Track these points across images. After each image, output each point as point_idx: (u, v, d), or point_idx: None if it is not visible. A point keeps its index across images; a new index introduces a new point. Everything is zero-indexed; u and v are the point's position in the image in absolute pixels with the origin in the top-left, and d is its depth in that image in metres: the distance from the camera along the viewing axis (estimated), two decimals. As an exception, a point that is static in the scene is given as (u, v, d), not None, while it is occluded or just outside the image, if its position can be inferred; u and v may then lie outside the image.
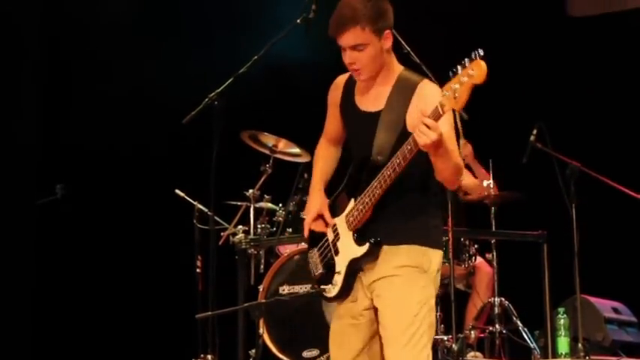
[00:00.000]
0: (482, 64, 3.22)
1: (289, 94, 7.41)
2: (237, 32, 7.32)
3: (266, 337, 5.83)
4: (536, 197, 6.35)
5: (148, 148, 7.39)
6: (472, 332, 6.09)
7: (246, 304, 5.25)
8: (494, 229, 6.32)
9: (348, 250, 3.73)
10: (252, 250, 6.17)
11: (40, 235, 6.40)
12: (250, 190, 6.38)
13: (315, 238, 3.90)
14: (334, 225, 3.81)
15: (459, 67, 3.28)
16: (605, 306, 6.49)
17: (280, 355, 5.82)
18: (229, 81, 4.61)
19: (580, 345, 5.88)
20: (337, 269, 3.76)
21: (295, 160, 6.48)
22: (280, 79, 7.26)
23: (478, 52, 3.24)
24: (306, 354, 5.76)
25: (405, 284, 3.64)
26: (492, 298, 6.17)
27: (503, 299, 6.14)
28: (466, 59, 3.26)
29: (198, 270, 6.23)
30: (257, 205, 6.40)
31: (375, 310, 3.73)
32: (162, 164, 7.31)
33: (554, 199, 5.93)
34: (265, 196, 6.45)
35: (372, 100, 3.76)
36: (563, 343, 5.81)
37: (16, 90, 6.15)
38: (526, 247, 5.96)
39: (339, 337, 3.82)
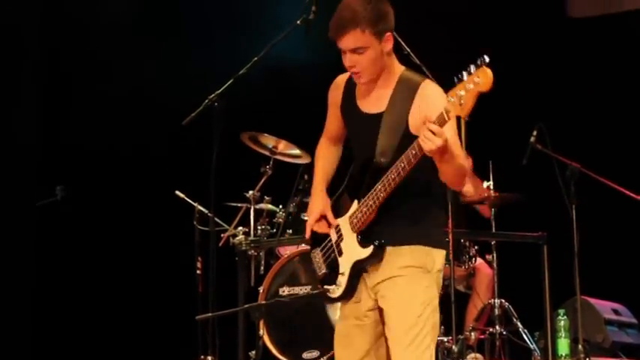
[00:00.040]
0: (489, 71, 3.20)
1: (289, 96, 7.41)
2: (237, 32, 7.31)
3: (266, 339, 5.84)
4: (537, 198, 6.35)
5: (148, 149, 7.39)
6: (472, 333, 6.09)
7: (246, 306, 5.22)
8: (494, 230, 6.32)
9: (352, 251, 3.73)
10: (253, 251, 6.17)
11: (40, 237, 6.40)
12: (250, 192, 6.38)
13: (318, 239, 3.90)
14: (337, 226, 3.81)
15: (464, 73, 3.25)
16: (605, 307, 6.48)
17: (280, 357, 5.82)
18: (229, 82, 4.61)
19: (580, 346, 5.88)
20: (341, 270, 3.76)
21: (295, 162, 6.48)
22: (280, 81, 7.25)
23: (484, 59, 3.22)
24: (306, 355, 5.76)
25: (409, 285, 3.65)
26: (492, 300, 6.18)
27: (503, 300, 6.15)
28: (472, 65, 3.24)
29: (198, 271, 6.23)
30: (257, 207, 6.40)
31: (381, 310, 3.73)
32: (163, 165, 7.31)
33: (554, 201, 5.93)
34: (265, 197, 6.45)
35: (374, 101, 3.75)
36: (563, 345, 5.82)
37: (16, 90, 6.15)
38: (526, 249, 5.95)
39: (344, 339, 3.82)
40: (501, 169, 6.26)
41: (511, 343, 6.09)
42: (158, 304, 7.27)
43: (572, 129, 7.07)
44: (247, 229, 6.32)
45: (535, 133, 6.02)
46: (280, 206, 6.44)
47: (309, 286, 5.77)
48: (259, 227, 6.35)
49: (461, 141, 3.74)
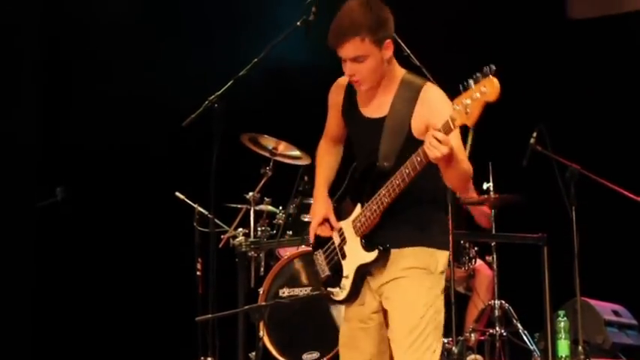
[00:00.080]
0: (496, 81, 3.20)
1: (289, 97, 7.41)
2: (237, 33, 7.31)
3: (266, 340, 5.84)
4: (537, 200, 6.34)
5: (148, 150, 7.39)
6: (472, 335, 6.09)
7: (246, 307, 5.23)
8: (494, 231, 6.32)
9: (356, 255, 3.74)
10: (253, 252, 6.17)
11: (40, 238, 6.39)
12: (250, 193, 6.38)
13: (320, 241, 3.91)
14: (340, 229, 3.82)
15: (470, 82, 3.25)
16: (605, 309, 6.48)
17: (280, 358, 5.83)
18: (229, 84, 4.59)
19: (580, 348, 5.88)
20: (345, 273, 3.77)
21: (295, 163, 6.48)
22: (280, 82, 7.25)
23: (491, 68, 3.22)
24: (306, 356, 5.76)
25: (412, 285, 3.66)
26: (492, 301, 6.18)
27: (503, 302, 6.14)
28: (478, 74, 3.24)
29: (198, 272, 6.22)
30: (257, 208, 6.41)
31: (385, 312, 3.74)
32: (163, 166, 7.31)
33: (554, 202, 5.93)
34: (265, 198, 6.45)
35: (376, 106, 3.75)
36: (563, 346, 5.81)
37: (16, 90, 6.14)
38: (526, 250, 5.95)
39: (350, 341, 3.84)
40: (501, 170, 6.25)
41: (511, 345, 6.09)
42: (158, 305, 7.27)
43: (572, 130, 7.07)
44: (247, 231, 6.33)
45: (535, 134, 6.02)
46: (280, 207, 6.44)
47: (309, 288, 5.77)
48: (259, 228, 6.35)
49: (466, 148, 3.73)
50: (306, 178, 6.24)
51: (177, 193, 6.46)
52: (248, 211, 6.39)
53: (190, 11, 7.64)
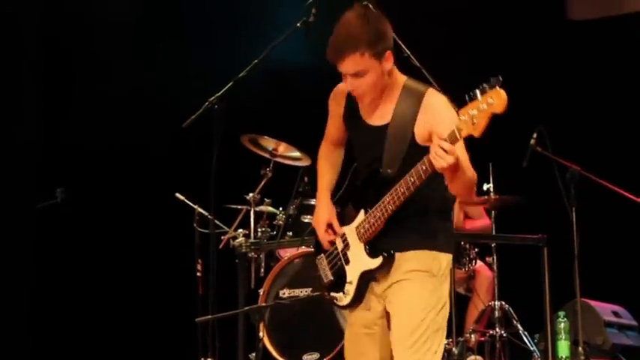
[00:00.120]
0: (503, 93, 3.20)
1: (289, 98, 7.41)
2: (238, 34, 7.31)
3: (266, 341, 5.84)
4: (537, 201, 6.34)
5: (148, 151, 7.39)
6: (472, 336, 6.09)
7: (246, 308, 5.23)
8: (494, 232, 6.32)
9: (360, 261, 3.74)
10: (253, 253, 6.17)
11: (40, 239, 6.39)
12: (250, 194, 6.38)
13: (322, 245, 3.92)
14: (343, 234, 3.82)
15: (477, 92, 3.24)
16: (605, 309, 6.48)
17: (280, 359, 5.83)
18: (229, 84, 4.60)
19: (580, 348, 5.90)
20: (348, 279, 3.78)
21: (295, 164, 6.47)
22: (280, 83, 7.25)
23: (498, 79, 3.22)
24: (306, 357, 5.76)
25: (414, 288, 3.66)
26: (492, 302, 6.18)
27: (503, 303, 6.15)
28: (485, 84, 3.23)
29: (198, 273, 6.22)
30: (257, 209, 6.40)
31: (389, 316, 3.75)
32: (163, 167, 7.31)
33: (555, 203, 5.93)
34: (265, 199, 6.45)
35: (378, 113, 3.74)
36: (563, 347, 5.82)
37: (16, 90, 6.14)
38: (526, 251, 5.95)
39: (355, 346, 3.84)
40: (501, 171, 6.25)
41: (511, 345, 6.09)
42: (158, 306, 7.28)
43: (572, 131, 7.06)
44: (247, 232, 6.33)
45: (535, 135, 6.02)
46: (280, 208, 6.44)
47: (310, 289, 5.77)
48: (259, 229, 6.35)
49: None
50: (306, 179, 6.23)
51: (178, 194, 6.46)
52: (248, 212, 6.39)
53: (191, 11, 7.64)
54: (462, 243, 6.14)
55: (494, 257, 6.25)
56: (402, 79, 3.74)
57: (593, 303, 6.42)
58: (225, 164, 4.58)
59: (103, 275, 7.39)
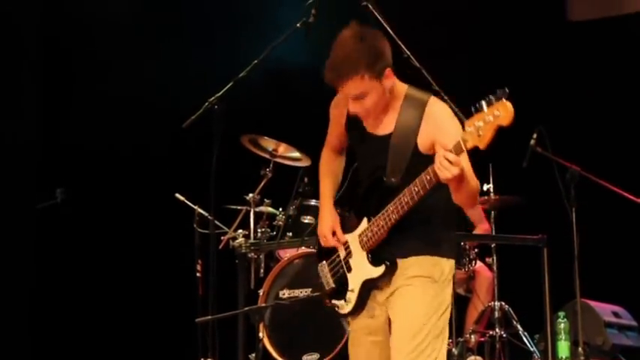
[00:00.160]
0: (509, 106, 3.19)
1: (289, 99, 7.41)
2: (238, 34, 7.31)
3: (266, 341, 5.84)
4: (537, 201, 6.35)
5: (148, 151, 7.39)
6: (472, 336, 6.10)
7: (246, 308, 5.24)
8: (494, 233, 6.32)
9: (362, 269, 3.74)
10: (253, 254, 6.16)
11: (40, 240, 6.39)
12: (250, 194, 6.38)
13: (325, 252, 3.92)
14: (346, 242, 3.82)
15: (483, 103, 3.24)
16: (605, 310, 6.48)
17: (280, 359, 5.82)
18: (229, 85, 4.60)
19: (580, 349, 5.90)
20: (350, 287, 3.78)
21: (295, 165, 6.47)
22: (280, 83, 7.25)
23: (504, 91, 3.21)
24: (306, 358, 5.77)
25: (415, 293, 3.66)
26: (492, 302, 6.19)
27: (503, 303, 6.16)
28: (491, 96, 3.23)
29: (198, 274, 6.23)
30: (257, 209, 6.40)
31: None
32: (162, 168, 7.31)
33: (554, 203, 5.92)
34: (265, 200, 6.45)
35: (381, 123, 3.73)
36: (563, 347, 5.82)
37: (16, 90, 6.14)
38: (526, 251, 5.94)
39: (360, 352, 3.84)
40: (501, 171, 6.25)
41: (511, 346, 6.10)
42: (158, 307, 7.28)
43: (572, 132, 7.06)
44: (247, 232, 6.33)
45: (535, 135, 6.01)
46: (280, 209, 6.44)
47: (310, 289, 5.77)
48: (259, 230, 6.35)
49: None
50: (306, 179, 6.24)
51: (177, 195, 6.46)
52: (248, 213, 6.39)
53: (191, 11, 7.64)
54: (462, 243, 6.13)
55: (494, 258, 6.27)
56: (403, 88, 3.73)
57: (593, 303, 6.42)
58: (225, 165, 4.59)
59: (103, 276, 7.39)
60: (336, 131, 3.92)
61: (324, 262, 3.90)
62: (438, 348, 3.66)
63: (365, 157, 3.83)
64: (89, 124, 7.34)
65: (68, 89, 7.47)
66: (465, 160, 3.42)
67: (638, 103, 7.30)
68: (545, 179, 5.98)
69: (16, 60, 6.11)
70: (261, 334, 5.77)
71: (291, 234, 6.21)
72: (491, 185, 6.25)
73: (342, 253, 3.83)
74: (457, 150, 3.32)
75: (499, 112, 3.20)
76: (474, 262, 6.26)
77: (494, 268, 6.25)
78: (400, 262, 3.69)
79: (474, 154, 6.11)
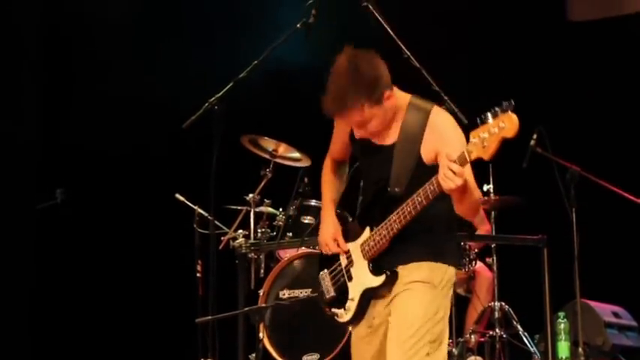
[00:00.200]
0: (514, 118, 3.20)
1: (289, 99, 7.41)
2: (238, 34, 7.31)
3: (266, 342, 5.84)
4: (536, 202, 6.35)
5: (148, 152, 7.39)
6: (472, 336, 6.10)
7: (246, 309, 5.24)
8: (494, 233, 6.32)
9: (363, 278, 3.75)
10: (253, 254, 6.17)
11: (40, 240, 6.39)
12: (250, 195, 6.38)
13: (326, 260, 3.92)
14: (348, 251, 3.83)
15: (488, 115, 3.25)
16: (605, 310, 6.48)
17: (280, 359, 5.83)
18: (229, 85, 4.60)
19: (580, 349, 5.90)
20: (350, 296, 3.79)
21: (295, 165, 6.48)
22: (280, 84, 7.25)
23: (510, 104, 3.22)
24: (306, 358, 5.77)
25: (412, 297, 3.66)
26: (492, 303, 6.19)
27: (503, 303, 6.16)
28: (497, 108, 3.23)
29: (198, 274, 6.23)
30: (257, 210, 6.41)
31: None
32: (162, 168, 7.31)
33: (554, 204, 5.92)
34: (265, 200, 6.45)
35: (385, 133, 3.73)
36: (563, 348, 5.82)
37: (16, 90, 6.14)
38: (526, 252, 5.94)
39: (358, 358, 3.85)
40: (501, 172, 6.25)
41: (511, 346, 6.10)
42: (158, 307, 7.28)
43: (572, 132, 7.06)
44: (247, 232, 6.33)
45: (535, 136, 6.00)
46: (280, 209, 6.44)
47: (310, 289, 5.77)
48: (259, 230, 6.35)
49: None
50: (306, 179, 6.24)
51: (177, 195, 6.46)
52: (248, 213, 6.39)
53: (191, 11, 7.64)
54: (462, 244, 6.14)
55: (494, 258, 6.27)
56: (405, 99, 3.73)
57: (593, 304, 6.42)
58: (225, 165, 4.58)
59: (103, 276, 7.39)
60: (339, 142, 3.93)
61: (326, 270, 3.91)
62: (433, 351, 3.63)
63: (369, 167, 3.85)
64: (89, 124, 7.34)
65: (68, 89, 7.47)
66: (468, 172, 3.42)
67: (638, 103, 7.29)
68: (545, 179, 5.98)
69: (16, 60, 6.12)
70: (261, 335, 5.77)
71: (291, 234, 6.21)
72: (491, 185, 6.25)
73: (343, 262, 3.84)
74: (461, 161, 3.33)
75: (504, 124, 3.20)
76: (474, 262, 6.26)
77: (495, 268, 6.25)
78: (401, 268, 3.69)
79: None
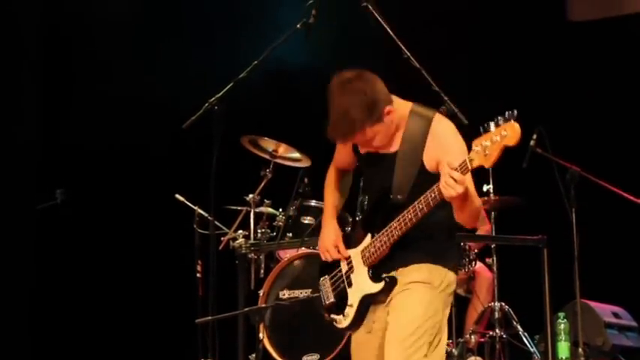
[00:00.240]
0: (517, 127, 3.24)
1: (289, 99, 7.41)
2: (238, 34, 7.31)
3: (266, 342, 5.84)
4: (536, 202, 6.35)
5: (148, 152, 7.39)
6: (472, 337, 6.10)
7: (246, 309, 5.25)
8: (494, 233, 6.32)
9: (363, 285, 3.76)
10: (253, 254, 6.16)
11: (40, 240, 6.39)
12: (250, 195, 6.38)
13: (327, 267, 3.93)
14: (348, 257, 3.84)
15: (491, 124, 3.28)
16: (605, 310, 6.48)
17: (280, 360, 5.83)
18: (229, 86, 4.60)
19: (580, 350, 5.90)
20: (349, 302, 3.80)
21: (295, 165, 6.47)
22: (280, 84, 7.25)
23: (513, 113, 3.24)
24: (306, 358, 5.76)
25: (411, 297, 3.67)
26: (492, 303, 6.19)
27: (503, 304, 6.16)
28: (500, 117, 3.27)
29: (198, 275, 6.22)
30: (257, 210, 6.40)
31: None
32: (162, 168, 7.31)
33: (554, 204, 5.92)
34: (265, 200, 6.45)
35: (388, 142, 3.74)
36: (563, 348, 5.82)
37: (16, 90, 6.14)
38: (526, 252, 5.94)
39: (359, 358, 3.85)
40: (501, 172, 6.24)
41: (511, 347, 6.10)
42: (158, 307, 7.28)
43: (572, 132, 7.06)
44: (247, 233, 6.32)
45: (535, 136, 6.00)
46: (280, 209, 6.44)
47: (310, 290, 5.77)
48: (259, 230, 6.35)
49: None
50: (306, 180, 6.25)
51: (177, 195, 6.46)
52: (248, 213, 6.39)
53: (191, 11, 7.64)
54: (462, 244, 6.13)
55: (494, 258, 6.27)
56: (407, 107, 3.74)
57: (593, 304, 6.42)
58: (225, 165, 4.58)
59: (103, 276, 7.39)
60: (344, 153, 3.95)
61: (326, 276, 3.92)
62: (430, 351, 3.63)
63: (372, 174, 3.86)
64: (89, 124, 7.34)
65: (68, 89, 7.47)
66: (468, 180, 3.44)
67: (638, 104, 7.29)
68: (545, 180, 5.98)
69: (16, 60, 6.12)
70: (261, 335, 5.77)
71: (291, 234, 6.21)
72: (491, 186, 6.25)
73: (344, 268, 3.85)
74: (463, 169, 3.35)
75: (506, 132, 3.24)
76: (473, 262, 6.26)
77: (494, 268, 6.25)
78: (400, 270, 3.70)
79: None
